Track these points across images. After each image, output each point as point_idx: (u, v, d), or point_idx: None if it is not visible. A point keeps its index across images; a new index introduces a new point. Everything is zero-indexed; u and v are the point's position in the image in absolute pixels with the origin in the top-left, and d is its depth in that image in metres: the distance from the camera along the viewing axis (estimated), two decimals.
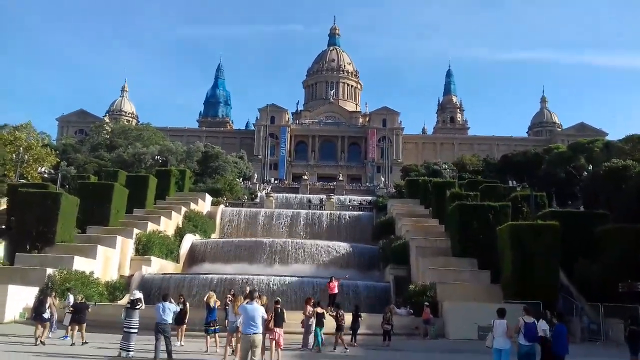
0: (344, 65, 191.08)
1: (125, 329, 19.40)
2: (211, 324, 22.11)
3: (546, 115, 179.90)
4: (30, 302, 29.84)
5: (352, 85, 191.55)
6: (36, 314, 22.91)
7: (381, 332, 26.64)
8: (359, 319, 26.11)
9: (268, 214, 56.92)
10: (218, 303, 23.23)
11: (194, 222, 51.17)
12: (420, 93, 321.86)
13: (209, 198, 60.84)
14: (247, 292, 20.29)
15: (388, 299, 34.80)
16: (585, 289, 33.07)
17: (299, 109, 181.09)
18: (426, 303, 30.19)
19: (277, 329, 18.99)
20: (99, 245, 36.51)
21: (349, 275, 37.58)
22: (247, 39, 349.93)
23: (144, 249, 41.53)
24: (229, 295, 24.63)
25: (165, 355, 18.53)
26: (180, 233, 48.44)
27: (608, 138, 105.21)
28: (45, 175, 66.32)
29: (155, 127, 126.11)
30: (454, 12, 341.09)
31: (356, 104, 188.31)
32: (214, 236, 53.64)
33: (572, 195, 72.61)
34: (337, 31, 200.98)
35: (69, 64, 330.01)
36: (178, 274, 41.13)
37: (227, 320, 20.81)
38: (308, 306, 23.70)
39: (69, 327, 23.96)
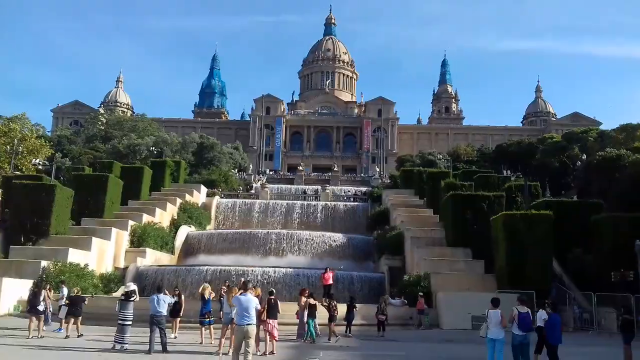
0: (340, 55, 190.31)
1: (119, 321, 19.42)
2: (206, 316, 22.11)
3: (541, 105, 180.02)
4: (25, 295, 29.67)
5: (347, 75, 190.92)
6: (31, 307, 22.89)
7: (376, 323, 26.79)
8: (354, 309, 26.22)
9: (263, 205, 56.91)
10: (213, 295, 23.25)
11: (189, 214, 51.13)
12: (415, 83, 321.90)
13: (204, 189, 60.77)
14: (241, 283, 20.30)
15: (382, 290, 34.98)
16: (578, 278, 33.34)
17: (294, 100, 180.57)
18: (420, 293, 30.37)
19: (270, 320, 19.02)
20: (93, 237, 36.47)
21: (344, 266, 37.71)
22: (242, 29, 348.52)
23: (138, 240, 41.50)
24: (223, 287, 24.66)
25: (160, 347, 18.54)
26: (175, 225, 48.43)
27: (602, 127, 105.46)
28: (40, 167, 65.97)
29: (150, 118, 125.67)
30: (449, 2, 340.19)
31: (352, 94, 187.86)
32: (209, 228, 53.63)
33: (565, 185, 72.92)
34: (333, 21, 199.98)
35: (64, 55, 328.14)
36: (173, 265, 41.15)
37: (221, 312, 20.84)
38: (303, 297, 23.74)
39: (63, 320, 23.97)
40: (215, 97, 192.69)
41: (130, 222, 41.85)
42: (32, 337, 21.59)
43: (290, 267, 36.73)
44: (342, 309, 26.29)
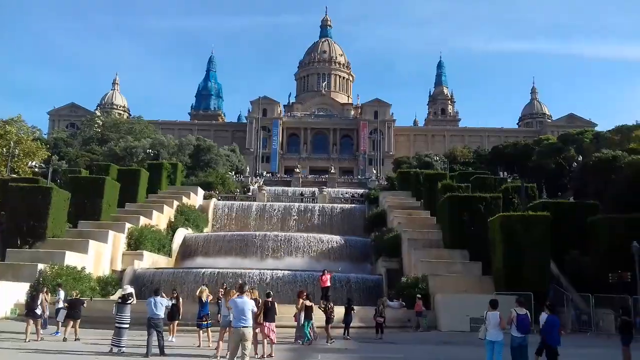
0: (336, 57, 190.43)
1: (116, 325, 19.35)
2: (203, 319, 22.09)
3: (536, 107, 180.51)
4: (22, 298, 29.72)
5: (343, 77, 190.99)
6: (28, 310, 22.81)
7: (374, 325, 26.74)
8: (352, 312, 26.19)
9: (260, 208, 56.88)
10: (210, 297, 23.22)
11: (186, 216, 51.05)
12: (411, 84, 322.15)
13: (201, 192, 60.71)
14: (238, 286, 20.26)
15: (380, 292, 34.94)
16: (575, 279, 33.37)
17: (290, 102, 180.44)
18: (418, 295, 30.34)
19: (267, 323, 18.93)
20: (90, 240, 36.36)
21: (341, 268, 37.66)
22: (238, 31, 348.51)
23: (136, 243, 41.40)
24: (221, 290, 24.63)
25: (157, 351, 18.47)
26: (172, 227, 48.36)
27: (597, 129, 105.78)
28: (36, 170, 65.76)
29: (146, 121, 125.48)
30: (445, 3, 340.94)
31: (348, 96, 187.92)
32: (207, 230, 53.55)
33: (562, 186, 73.06)
34: (328, 22, 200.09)
35: (60, 57, 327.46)
36: (170, 268, 41.05)
37: (219, 315, 20.78)
38: (300, 299, 23.71)
39: (60, 323, 23.90)
40: (212, 99, 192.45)
41: (127, 225, 41.75)
42: (29, 341, 21.49)
43: (287, 270, 36.70)
44: (340, 311, 26.28)
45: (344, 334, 25.78)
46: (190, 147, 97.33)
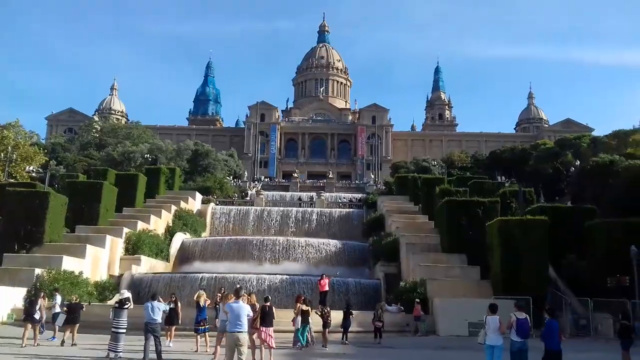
0: (334, 62, 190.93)
1: (113, 330, 19.22)
2: (201, 323, 21.97)
3: (533, 112, 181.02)
4: (19, 303, 29.64)
5: (341, 82, 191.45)
6: (27, 315, 22.72)
7: (372, 330, 26.72)
8: (350, 316, 26.13)
9: (258, 212, 56.77)
10: (208, 302, 23.14)
11: (184, 221, 50.93)
12: (409, 90, 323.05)
13: (199, 196, 60.62)
14: (234, 290, 20.20)
15: (379, 296, 34.88)
16: (572, 283, 33.35)
17: (288, 107, 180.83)
18: (417, 300, 30.31)
19: (264, 328, 18.83)
20: (88, 245, 36.22)
21: (340, 273, 37.62)
22: (236, 37, 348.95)
23: (133, 248, 41.27)
24: (218, 294, 24.55)
25: (154, 356, 18.37)
26: (170, 232, 48.24)
27: (594, 134, 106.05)
28: (34, 175, 65.81)
29: (144, 126, 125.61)
30: (442, 9, 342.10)
31: (346, 101, 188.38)
32: (205, 235, 53.44)
33: (559, 191, 73.21)
34: (326, 28, 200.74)
35: (58, 62, 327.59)
36: (168, 273, 40.91)
37: (217, 319, 20.70)
38: (298, 304, 23.66)
39: (57, 328, 23.81)
40: (210, 104, 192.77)
41: (125, 230, 41.64)
42: (25, 346, 21.39)
43: (285, 274, 36.59)
44: (338, 315, 26.22)
45: (343, 338, 25.72)
46: (188, 152, 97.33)
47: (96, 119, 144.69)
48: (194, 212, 55.45)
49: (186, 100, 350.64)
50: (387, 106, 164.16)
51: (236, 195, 77.50)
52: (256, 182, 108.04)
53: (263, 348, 19.10)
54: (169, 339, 22.68)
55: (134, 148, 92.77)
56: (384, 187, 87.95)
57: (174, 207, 51.77)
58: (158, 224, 47.22)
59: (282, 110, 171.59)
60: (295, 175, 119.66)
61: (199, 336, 22.04)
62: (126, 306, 19.89)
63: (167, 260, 44.77)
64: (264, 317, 19.09)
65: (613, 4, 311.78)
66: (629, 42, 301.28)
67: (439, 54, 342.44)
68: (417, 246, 39.24)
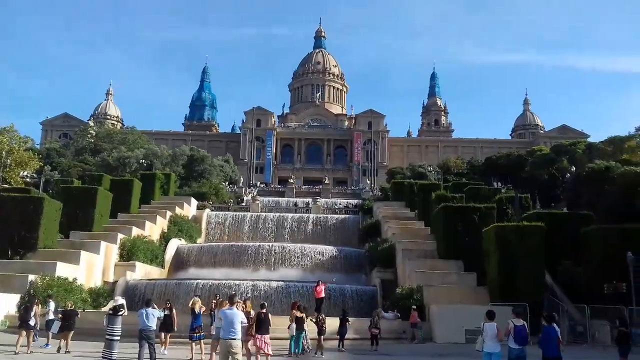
0: (330, 68, 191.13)
1: (107, 337, 18.97)
2: (196, 331, 21.77)
3: (529, 118, 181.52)
4: (12, 310, 29.38)
5: (337, 88, 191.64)
6: (22, 321, 22.45)
7: (369, 337, 26.56)
8: (347, 323, 25.93)
9: (254, 218, 56.62)
10: (203, 309, 22.92)
11: (179, 227, 50.72)
12: (405, 95, 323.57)
13: (194, 202, 60.41)
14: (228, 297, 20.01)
15: (375, 303, 34.72)
16: (568, 290, 33.27)
17: (285, 112, 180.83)
18: (413, 307, 30.16)
19: (260, 335, 18.63)
20: (82, 251, 35.96)
21: (336, 279, 37.43)
22: (233, 42, 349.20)
23: (128, 254, 41.02)
24: (214, 301, 24.34)
25: None
26: (165, 238, 48.02)
27: (590, 140, 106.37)
28: (28, 180, 65.39)
29: (140, 131, 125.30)
30: (439, 15, 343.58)
31: (342, 107, 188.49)
32: (200, 241, 53.23)
33: (555, 197, 73.29)
34: (322, 34, 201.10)
35: (53, 67, 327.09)
36: (163, 279, 40.64)
37: (212, 327, 20.52)
38: (294, 311, 23.50)
39: (50, 335, 23.56)
40: (206, 109, 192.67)
41: (120, 236, 41.39)
42: (19, 353, 21.14)
43: (281, 281, 36.44)
44: (334, 322, 26.04)
45: (339, 345, 25.53)
46: (184, 157, 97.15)
47: (91, 124, 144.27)
48: (189, 217, 55.25)
49: (182, 105, 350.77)
50: (383, 112, 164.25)
51: (232, 201, 77.31)
52: (252, 188, 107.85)
53: (259, 356, 18.91)
54: (163, 346, 22.44)
55: (129, 153, 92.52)
56: (380, 193, 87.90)
57: (169, 213, 51.55)
58: (153, 229, 46.99)
59: (278, 116, 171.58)
60: (291, 181, 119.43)
61: (194, 343, 21.80)
62: (120, 313, 19.64)
63: (162, 266, 44.51)
64: (259, 324, 18.91)
65: (609, 11, 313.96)
66: (625, 49, 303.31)
67: (435, 60, 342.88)
68: (414, 252, 39.12)
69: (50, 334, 23.93)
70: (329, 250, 45.46)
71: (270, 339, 19.46)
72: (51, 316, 24.87)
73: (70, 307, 24.24)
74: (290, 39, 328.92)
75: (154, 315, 18.88)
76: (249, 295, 31.41)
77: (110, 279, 38.36)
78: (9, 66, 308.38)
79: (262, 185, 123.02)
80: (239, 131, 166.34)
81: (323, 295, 30.74)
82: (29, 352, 21.60)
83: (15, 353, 21.09)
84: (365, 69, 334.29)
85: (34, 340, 23.35)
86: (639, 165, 56.07)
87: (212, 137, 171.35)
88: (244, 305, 19.18)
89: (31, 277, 31.26)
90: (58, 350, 22.06)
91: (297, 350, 23.04)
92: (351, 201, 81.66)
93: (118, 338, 19.13)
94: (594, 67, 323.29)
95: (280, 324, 23.61)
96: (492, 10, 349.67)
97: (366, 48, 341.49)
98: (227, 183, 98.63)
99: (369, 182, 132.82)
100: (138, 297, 33.85)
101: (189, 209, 57.33)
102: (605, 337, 28.25)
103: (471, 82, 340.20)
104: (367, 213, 60.89)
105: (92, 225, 42.76)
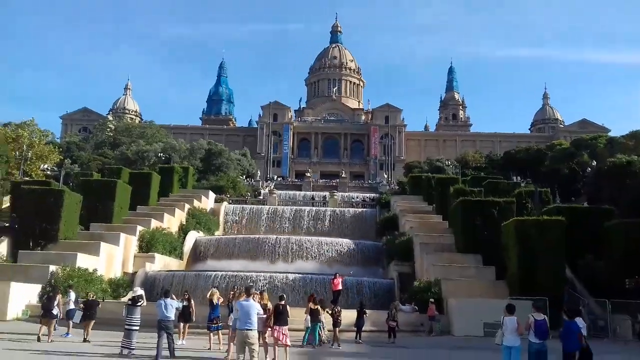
0: (346, 63, 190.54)
1: (126, 327, 19.20)
2: (214, 321, 21.92)
3: (548, 112, 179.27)
4: (33, 300, 29.82)
5: (354, 83, 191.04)
6: (45, 311, 22.78)
7: (386, 329, 26.51)
8: (364, 315, 25.92)
9: (271, 211, 56.71)
10: (221, 300, 23.04)
11: (197, 219, 51.02)
12: (422, 90, 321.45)
13: (212, 195, 60.69)
14: (245, 288, 20.06)
15: (392, 296, 34.62)
16: (590, 284, 32.89)
17: (301, 107, 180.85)
18: (431, 300, 30.03)
19: (278, 327, 18.67)
20: (102, 242, 36.36)
21: (353, 272, 37.40)
22: (249, 37, 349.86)
23: (147, 246, 41.38)
24: (232, 292, 24.48)
25: (167, 353, 18.30)
26: (183, 230, 48.32)
27: (611, 134, 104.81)
28: (49, 173, 66.30)
29: (158, 125, 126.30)
30: (456, 9, 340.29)
31: (359, 101, 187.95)
32: (218, 233, 53.48)
33: (575, 192, 72.35)
34: (339, 29, 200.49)
35: (73, 63, 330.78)
36: (182, 270, 40.92)
37: (230, 317, 20.61)
38: (310, 303, 23.54)
39: (71, 324, 23.88)
40: (223, 104, 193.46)
41: (139, 228, 41.74)
42: (41, 342, 21.44)
43: (298, 273, 36.48)
44: (352, 315, 26.04)
45: (356, 337, 25.54)
46: (202, 151, 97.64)
47: (110, 118, 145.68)
48: (207, 210, 55.53)
49: (199, 100, 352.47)
50: (400, 106, 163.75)
51: (249, 194, 77.53)
52: (269, 182, 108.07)
53: (277, 347, 18.95)
54: (182, 336, 22.63)
55: (147, 147, 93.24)
56: (397, 187, 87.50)
57: (187, 206, 51.86)
58: (171, 222, 47.33)
59: (294, 110, 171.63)
60: (308, 174, 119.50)
61: (211, 334, 21.98)
62: (139, 303, 19.86)
63: (181, 258, 44.83)
64: (278, 316, 18.94)
65: (629, 5, 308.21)
66: None
67: (452, 54, 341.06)
68: (431, 246, 38.90)
69: (71, 323, 24.27)
70: (346, 243, 45.39)
71: (288, 330, 19.49)
72: (72, 306, 25.21)
73: (92, 297, 24.57)
74: (306, 34, 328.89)
75: (172, 306, 19.03)
76: (266, 287, 31.46)
77: (130, 270, 38.73)
78: (29, 63, 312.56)
79: (279, 179, 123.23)
80: (255, 125, 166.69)
81: (340, 287, 30.72)
82: (49, 340, 21.90)
83: (39, 341, 21.39)
84: (382, 63, 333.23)
85: (54, 330, 23.68)
86: None
87: (230, 132, 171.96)
88: (260, 297, 19.20)
89: (52, 267, 31.68)
90: (84, 340, 22.30)
91: (314, 342, 23.07)
92: (368, 195, 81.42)
93: (137, 328, 19.34)
94: (615, 61, 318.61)
95: (297, 316, 23.62)
96: (510, 4, 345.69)
97: (383, 43, 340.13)
98: (244, 176, 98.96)
99: (386, 176, 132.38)
100: (157, 288, 34.13)
101: (207, 202, 57.62)
102: (626, 332, 27.90)
103: (489, 76, 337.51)
104: (384, 207, 60.66)
105: (111, 217, 43.17)
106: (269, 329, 18.76)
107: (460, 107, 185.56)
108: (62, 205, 36.82)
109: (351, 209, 60.90)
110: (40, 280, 30.94)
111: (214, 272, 35.85)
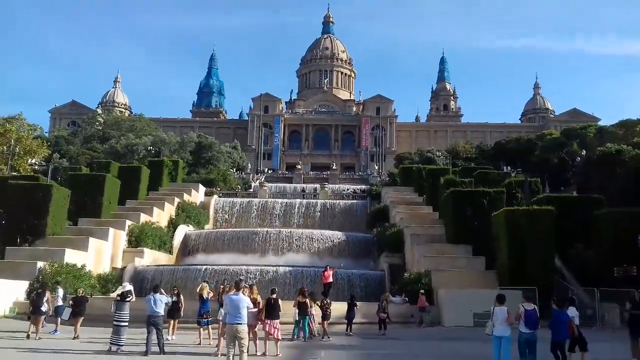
0: (338, 54, 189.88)
1: (115, 323, 19.02)
2: (204, 316, 21.78)
3: (539, 102, 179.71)
4: (21, 297, 29.58)
5: (346, 74, 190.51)
6: (34, 307, 22.52)
7: (377, 321, 26.55)
8: (355, 308, 25.91)
9: (262, 204, 56.58)
10: (211, 294, 22.89)
11: (187, 213, 50.78)
12: (414, 80, 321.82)
13: (202, 188, 60.43)
14: (234, 282, 19.95)
15: (383, 288, 34.67)
16: (579, 273, 33.06)
17: (292, 98, 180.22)
18: (421, 291, 30.07)
19: (269, 320, 18.59)
20: (90, 238, 36.08)
21: (344, 264, 37.41)
22: (240, 29, 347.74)
23: (136, 240, 41.16)
24: (222, 286, 24.34)
25: (157, 349, 18.16)
26: (173, 224, 48.10)
27: (601, 124, 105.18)
28: (37, 168, 65.71)
29: (148, 118, 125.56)
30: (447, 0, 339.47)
31: (350, 92, 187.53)
32: (208, 227, 53.28)
33: (565, 181, 72.62)
34: (330, 19, 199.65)
35: (61, 55, 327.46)
36: (171, 265, 40.80)
37: (219, 312, 20.49)
38: (299, 296, 23.46)
39: (59, 321, 23.66)
40: (214, 96, 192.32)
41: (128, 222, 41.50)
42: (30, 339, 21.23)
43: (289, 266, 36.44)
44: (342, 307, 26.03)
45: (347, 329, 25.54)
46: (192, 144, 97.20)
47: (99, 111, 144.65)
48: (197, 204, 55.33)
49: (190, 92, 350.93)
50: (391, 97, 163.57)
51: (239, 187, 77.30)
52: (259, 174, 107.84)
53: (267, 341, 18.88)
54: (171, 331, 22.48)
55: (137, 140, 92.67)
56: (388, 179, 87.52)
57: (177, 200, 51.61)
58: (161, 216, 47.08)
59: (285, 102, 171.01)
60: (299, 167, 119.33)
61: (201, 329, 21.86)
62: (128, 299, 19.70)
63: (170, 252, 44.65)
64: (269, 310, 18.90)
65: None
66: (636, 32, 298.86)
67: (444, 44, 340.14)
68: (422, 237, 38.94)
69: (59, 320, 24.04)
70: (337, 235, 45.38)
71: (280, 324, 19.43)
72: (60, 302, 24.96)
73: (81, 293, 24.34)
74: (298, 24, 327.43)
75: (161, 301, 18.89)
76: (256, 280, 31.37)
77: (119, 265, 38.50)
78: (17, 57, 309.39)
79: (269, 172, 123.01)
80: (246, 118, 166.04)
81: (331, 280, 30.72)
82: (37, 338, 21.67)
83: (28, 339, 21.18)
84: (374, 54, 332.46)
85: (42, 327, 23.46)
86: None
87: (220, 124, 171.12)
88: (250, 291, 19.10)
89: (40, 264, 31.42)
90: (74, 338, 22.09)
91: (304, 335, 23.02)
92: (359, 187, 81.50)
93: (126, 324, 19.19)
94: (605, 51, 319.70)
95: (288, 310, 23.59)
96: None
97: (375, 33, 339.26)
98: (234, 169, 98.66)
99: (377, 167, 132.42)
100: (146, 283, 33.97)
101: (197, 195, 57.37)
102: (614, 320, 28.08)
103: (481, 67, 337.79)
104: (375, 198, 60.67)
105: (100, 212, 42.86)
106: (260, 322, 18.69)
107: (452, 97, 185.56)
108: (50, 201, 36.50)
109: (342, 201, 60.87)
110: (28, 276, 30.68)
111: (204, 266, 35.77)
